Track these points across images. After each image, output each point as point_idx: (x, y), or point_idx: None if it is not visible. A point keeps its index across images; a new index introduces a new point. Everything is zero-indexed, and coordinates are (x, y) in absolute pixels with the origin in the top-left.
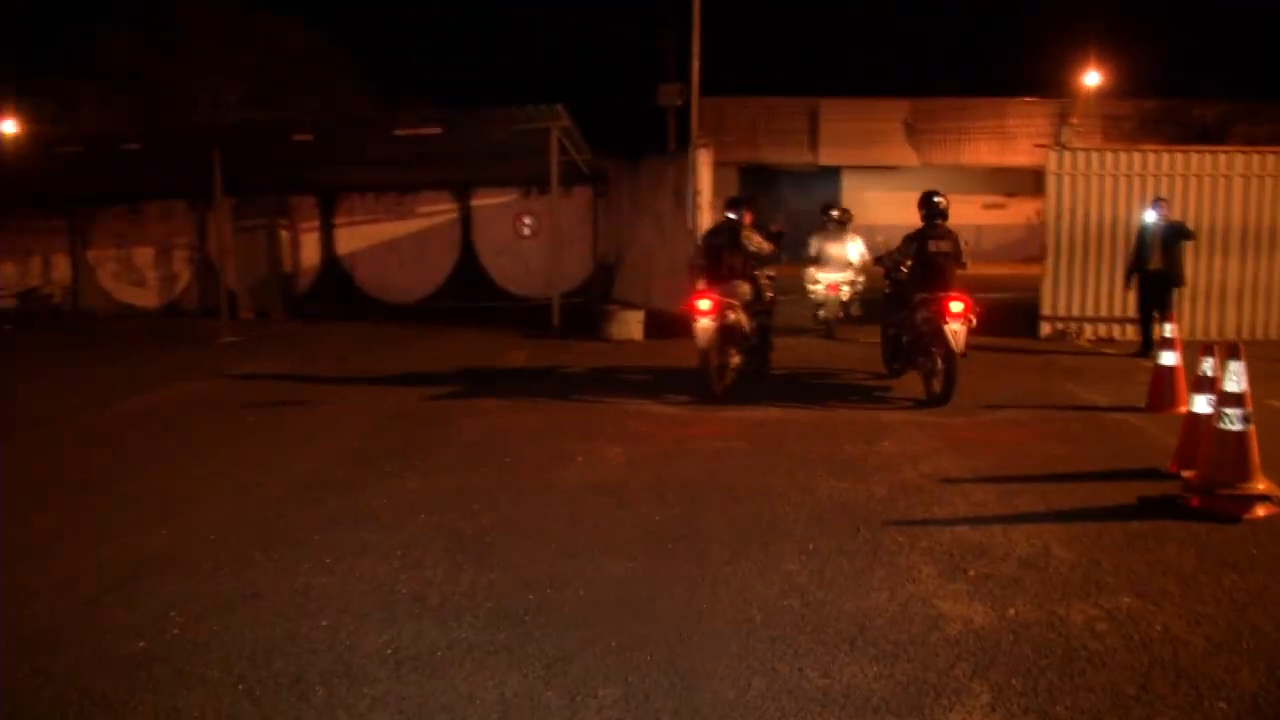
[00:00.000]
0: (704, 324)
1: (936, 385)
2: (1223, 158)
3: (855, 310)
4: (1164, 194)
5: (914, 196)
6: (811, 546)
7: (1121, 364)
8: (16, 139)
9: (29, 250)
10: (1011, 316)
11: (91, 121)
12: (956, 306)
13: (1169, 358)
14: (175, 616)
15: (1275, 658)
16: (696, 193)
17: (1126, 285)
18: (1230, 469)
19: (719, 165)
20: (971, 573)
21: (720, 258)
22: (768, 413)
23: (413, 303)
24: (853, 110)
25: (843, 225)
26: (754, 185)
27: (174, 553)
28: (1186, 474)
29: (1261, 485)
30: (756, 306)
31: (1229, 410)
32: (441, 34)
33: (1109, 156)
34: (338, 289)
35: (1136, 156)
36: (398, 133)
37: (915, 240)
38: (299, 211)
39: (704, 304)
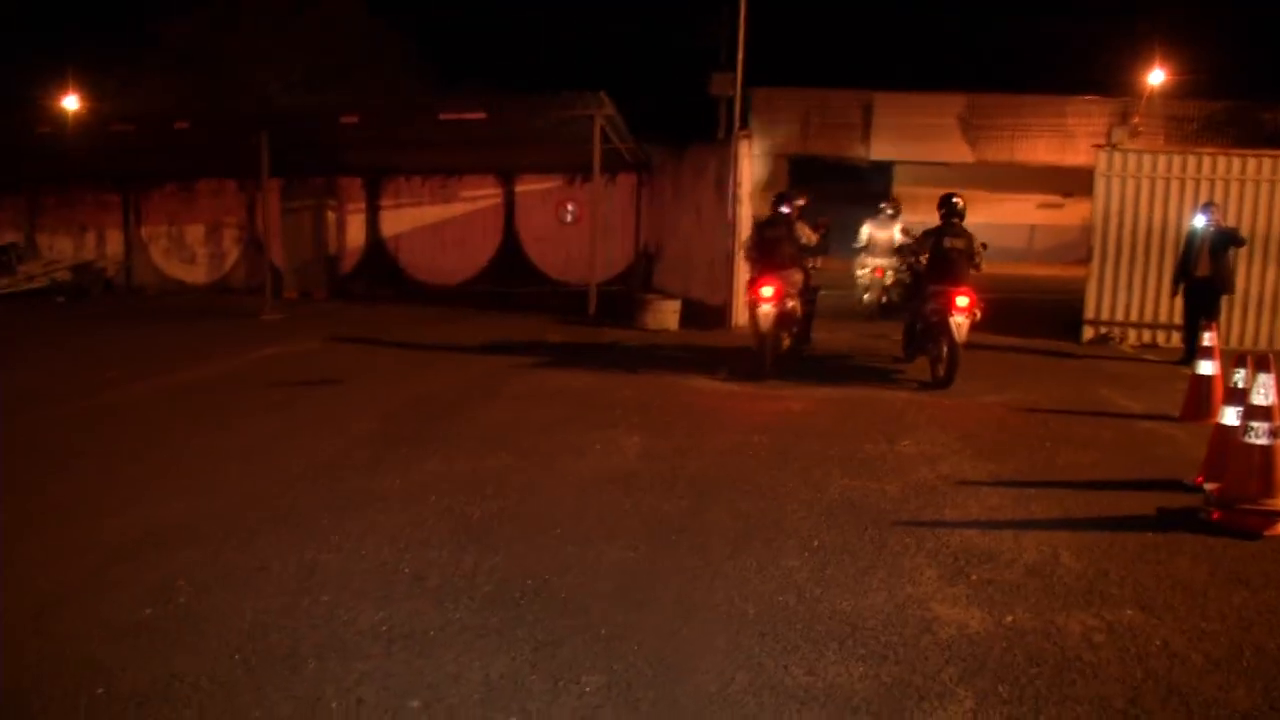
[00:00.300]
0: (765, 310)
1: (940, 370)
2: (1278, 162)
3: (895, 296)
4: (1216, 199)
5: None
6: (816, 544)
7: (1162, 371)
8: (75, 115)
9: (84, 225)
10: (1055, 319)
11: (153, 100)
12: (962, 301)
13: (1206, 367)
14: (183, 585)
15: (1273, 677)
16: (737, 184)
17: (1174, 291)
18: (1255, 484)
19: (769, 157)
20: (974, 577)
21: (775, 247)
22: (799, 391)
23: (455, 285)
24: (907, 104)
25: (893, 217)
26: (804, 178)
27: (187, 525)
28: (1210, 487)
29: None
30: (805, 293)
31: (1255, 424)
32: (497, 18)
33: (1161, 159)
34: (382, 270)
35: (1191, 159)
36: (442, 117)
37: (932, 236)
38: (346, 193)
39: (767, 291)
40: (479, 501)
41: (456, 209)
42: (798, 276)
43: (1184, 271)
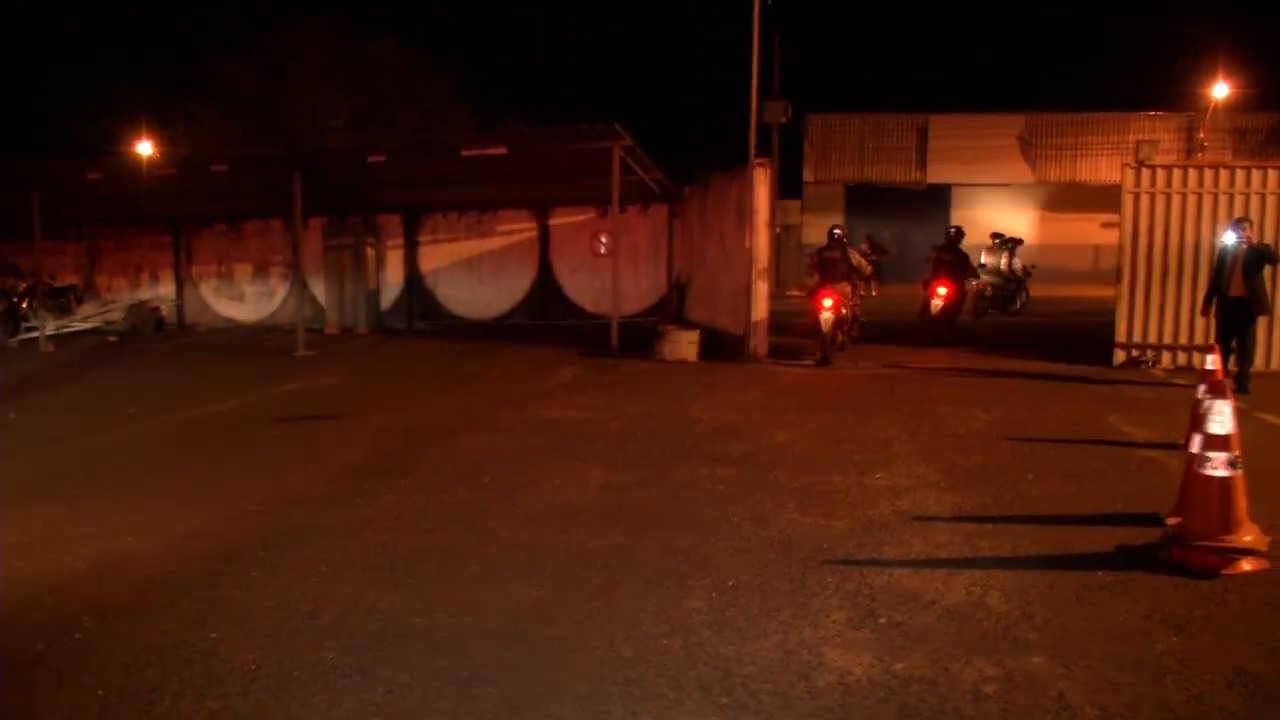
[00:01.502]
0: (825, 316)
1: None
2: None
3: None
4: (1251, 214)
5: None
6: (731, 583)
7: (1187, 396)
8: (125, 161)
9: (139, 266)
10: (1095, 343)
11: (208, 144)
12: (826, 300)
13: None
14: (86, 621)
15: None
16: (754, 211)
17: (1205, 312)
18: (1214, 519)
19: (822, 183)
20: (883, 620)
21: (832, 267)
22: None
23: (491, 319)
24: (963, 126)
25: (1001, 245)
26: (860, 204)
27: (122, 560)
28: (1171, 521)
29: (1248, 537)
30: (853, 302)
31: (1212, 454)
32: (541, 53)
33: (1191, 173)
34: (420, 305)
35: (1223, 173)
36: (464, 154)
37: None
38: (385, 230)
39: (828, 301)
40: (414, 536)
41: (492, 243)
42: (848, 289)
43: (1216, 291)
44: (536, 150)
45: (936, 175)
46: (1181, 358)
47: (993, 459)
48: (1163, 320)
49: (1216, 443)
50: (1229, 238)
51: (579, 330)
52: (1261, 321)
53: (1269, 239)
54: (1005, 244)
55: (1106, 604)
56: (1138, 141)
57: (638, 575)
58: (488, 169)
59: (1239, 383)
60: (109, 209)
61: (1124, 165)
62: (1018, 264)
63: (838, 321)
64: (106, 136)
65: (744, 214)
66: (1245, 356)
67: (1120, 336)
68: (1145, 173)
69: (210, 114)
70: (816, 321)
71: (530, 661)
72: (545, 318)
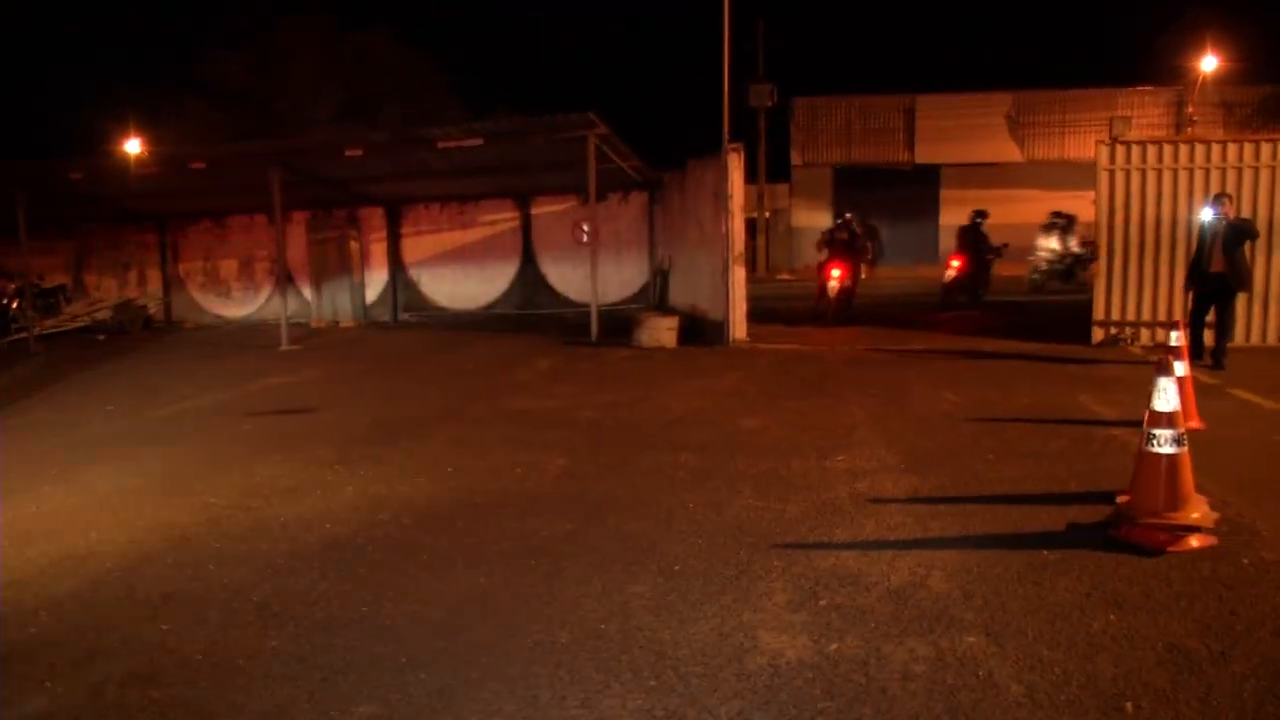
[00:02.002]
0: (831, 284)
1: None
2: None
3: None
4: (1229, 188)
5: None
6: (677, 568)
7: None
8: (105, 160)
9: (127, 264)
10: (1071, 321)
11: (197, 139)
12: (835, 271)
13: (1175, 368)
14: (43, 615)
15: (1085, 711)
16: (728, 196)
17: (1187, 289)
18: (1160, 496)
19: (810, 166)
20: (824, 602)
21: (839, 244)
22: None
23: (476, 309)
24: (951, 106)
25: (1056, 225)
26: (848, 186)
27: (84, 554)
28: (1120, 500)
29: (1195, 514)
30: (855, 275)
31: (1157, 431)
32: (529, 44)
33: (1166, 149)
34: (405, 297)
35: (1198, 148)
36: (440, 145)
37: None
38: (368, 223)
39: (836, 272)
40: (371, 528)
41: (475, 234)
42: (851, 265)
43: (1197, 268)
44: (513, 141)
45: (924, 156)
46: (1160, 334)
47: (955, 440)
48: (1141, 297)
49: (1161, 419)
50: (1207, 214)
51: (563, 319)
52: (1241, 297)
53: (1247, 212)
54: (1060, 222)
55: (1048, 583)
56: (1111, 117)
57: (585, 561)
58: (469, 160)
59: (1215, 358)
60: (96, 208)
61: (1098, 142)
62: (1073, 242)
63: (841, 290)
64: (98, 135)
65: (720, 199)
66: (1223, 332)
67: (1098, 314)
68: (1120, 149)
69: (201, 110)
70: (824, 289)
71: (466, 647)
72: (530, 307)
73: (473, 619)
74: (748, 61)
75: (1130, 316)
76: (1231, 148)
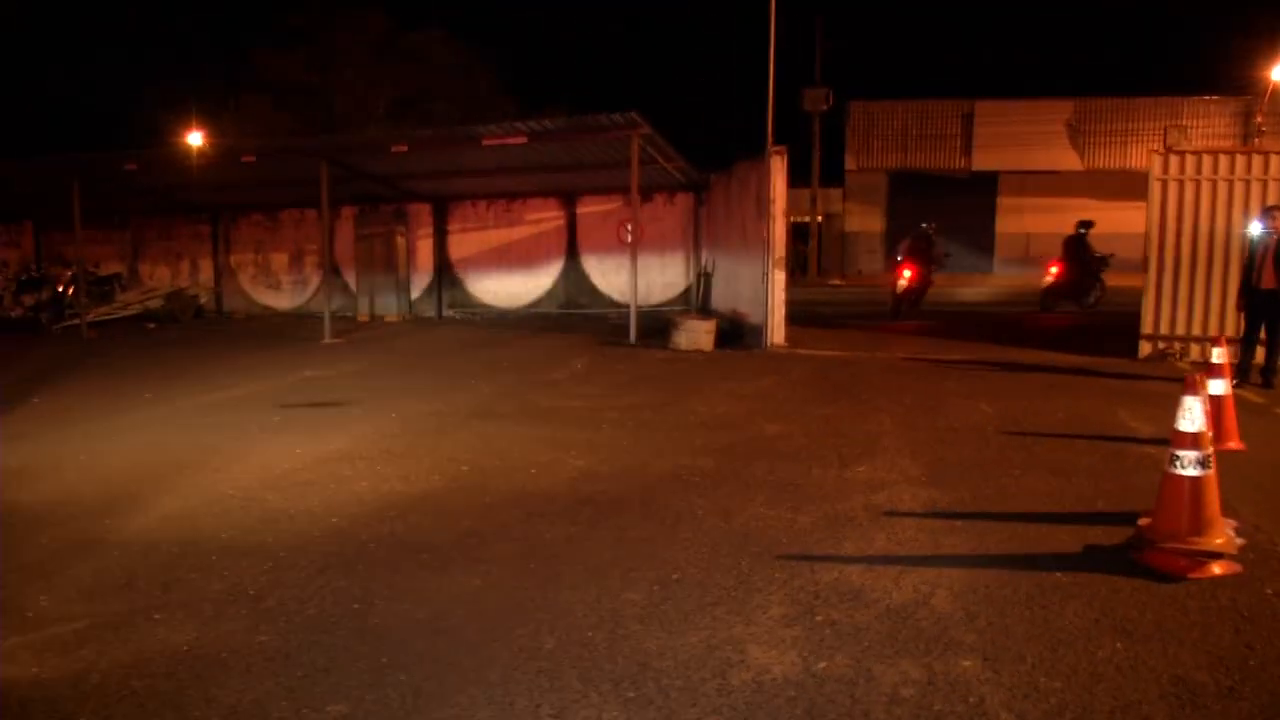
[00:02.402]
0: (902, 283)
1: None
2: None
3: None
4: None
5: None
6: (676, 577)
7: None
8: (162, 152)
9: (180, 254)
10: (1118, 333)
11: (258, 133)
12: (906, 272)
13: (1216, 386)
14: (43, 600)
15: None
16: (770, 200)
17: (1239, 305)
18: (1183, 520)
19: (864, 171)
20: (819, 618)
21: (915, 250)
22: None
23: (520, 307)
24: (1010, 112)
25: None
26: (903, 193)
27: (89, 542)
28: (1142, 522)
29: (1219, 540)
30: (926, 277)
31: (1181, 452)
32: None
33: (1222, 160)
34: (450, 293)
35: (1255, 159)
36: (486, 143)
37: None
38: (415, 219)
39: (907, 273)
40: (377, 524)
41: (521, 232)
42: (922, 267)
43: (1247, 284)
44: (558, 139)
45: (982, 163)
46: (1210, 351)
47: (983, 453)
48: (1191, 311)
49: (1185, 440)
50: (1255, 227)
51: (605, 320)
52: None
53: None
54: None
55: (1057, 606)
56: (1167, 126)
57: (583, 566)
58: (515, 158)
59: (1265, 377)
60: (151, 199)
61: (1151, 151)
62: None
63: (909, 289)
64: (159, 129)
65: (762, 203)
66: (1274, 350)
67: (1146, 328)
68: (1174, 159)
69: (259, 106)
70: (895, 286)
71: (449, 649)
72: (573, 307)
73: (461, 621)
74: (803, 65)
75: (1180, 331)
76: None
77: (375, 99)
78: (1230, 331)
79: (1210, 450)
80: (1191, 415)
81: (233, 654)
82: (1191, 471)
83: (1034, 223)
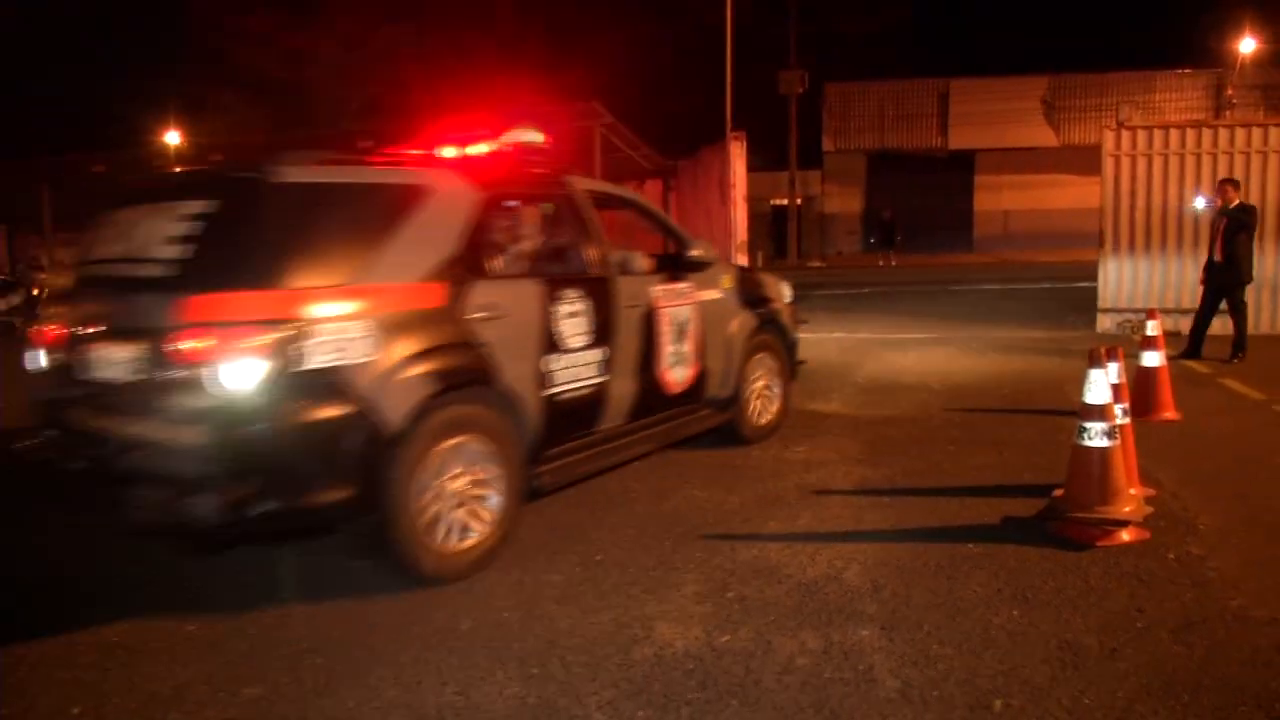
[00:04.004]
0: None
1: None
2: None
3: None
4: (1237, 173)
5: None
6: (599, 558)
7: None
8: (129, 154)
9: None
10: (1082, 307)
11: (237, 130)
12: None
13: (1150, 358)
14: None
15: (953, 708)
16: (731, 185)
17: (1201, 279)
18: (1091, 490)
19: (842, 153)
20: (731, 594)
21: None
22: None
23: None
24: (985, 90)
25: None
26: (881, 173)
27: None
28: (1057, 493)
29: (1128, 508)
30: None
31: (1088, 424)
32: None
33: (1173, 134)
34: None
35: (1205, 133)
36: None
37: None
38: None
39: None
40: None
41: None
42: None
43: (1209, 259)
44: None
45: (959, 141)
46: (1168, 322)
47: (924, 430)
48: (1148, 284)
49: (1092, 412)
50: (1200, 201)
51: None
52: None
53: (1254, 198)
54: None
55: (963, 577)
56: (1118, 102)
57: (512, 550)
58: None
59: (1235, 347)
60: None
61: (1104, 128)
62: None
63: None
64: (138, 128)
65: (724, 188)
66: (1237, 325)
67: (1104, 302)
68: (1126, 134)
69: (239, 103)
70: None
71: (368, 633)
72: None
73: (383, 606)
74: (779, 48)
75: (1137, 304)
76: (1240, 132)
77: (351, 93)
78: (1186, 303)
79: (1116, 421)
80: (1097, 387)
81: (161, 643)
82: (1099, 442)
83: (1012, 200)
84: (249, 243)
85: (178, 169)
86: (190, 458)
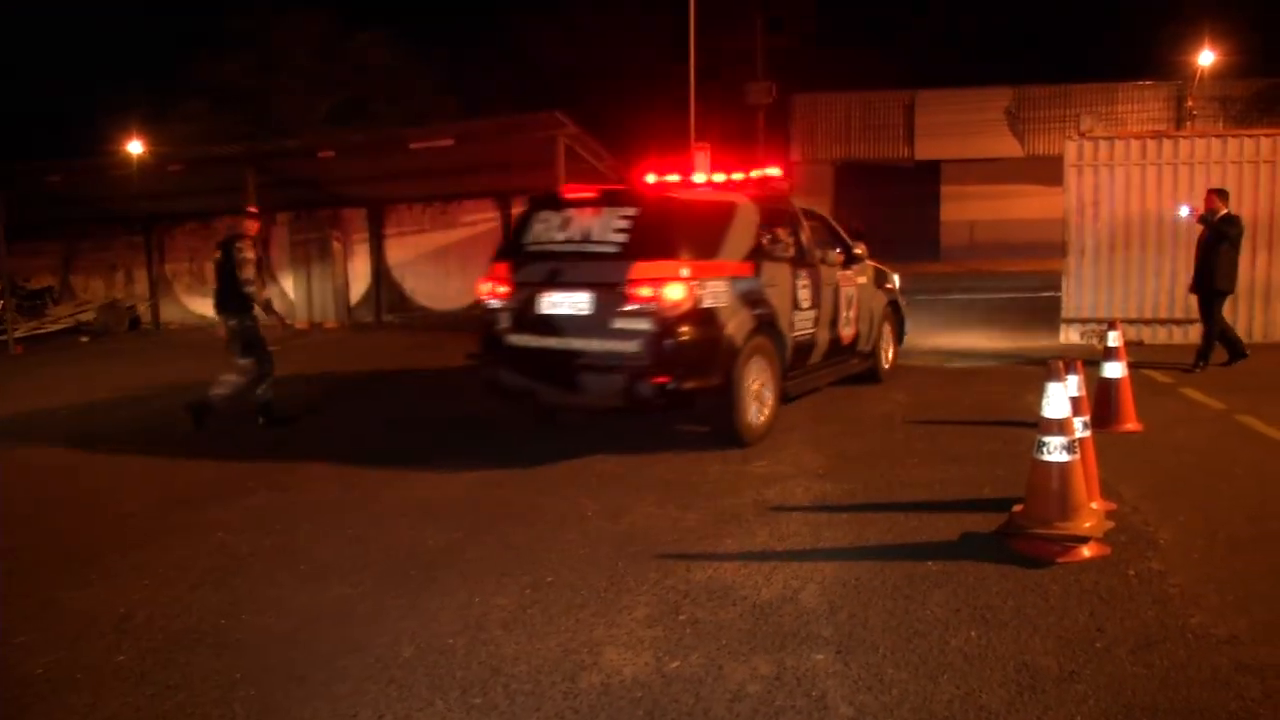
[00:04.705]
0: None
1: None
2: (1265, 141)
3: None
4: (1197, 183)
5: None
6: (549, 579)
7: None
8: (88, 162)
9: (114, 265)
10: (1045, 317)
11: (201, 138)
12: None
13: (1112, 369)
14: None
15: None
16: None
17: (1190, 288)
18: (1051, 505)
19: (810, 163)
20: (683, 617)
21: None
22: None
23: (459, 309)
24: (951, 101)
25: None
26: (850, 183)
27: None
28: (1016, 509)
29: (1088, 523)
30: None
31: (1047, 439)
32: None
33: (1134, 145)
34: (389, 297)
35: (1165, 143)
36: (413, 146)
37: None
38: (351, 224)
39: None
40: (262, 536)
41: (457, 234)
42: None
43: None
44: (488, 141)
45: (925, 152)
46: (1131, 332)
47: (885, 443)
48: (1111, 294)
49: (1051, 426)
50: (1183, 210)
51: None
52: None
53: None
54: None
55: (921, 596)
56: (1080, 113)
57: (460, 572)
58: (447, 161)
59: (1199, 356)
60: (83, 210)
61: (1065, 139)
62: None
63: None
64: (100, 135)
65: None
66: (1205, 334)
67: (1067, 312)
68: (1087, 145)
69: (202, 111)
70: None
71: (305, 662)
72: None
73: (323, 632)
74: (747, 60)
75: (1100, 314)
76: (1199, 143)
77: (317, 102)
78: (1149, 313)
79: (1076, 435)
80: (1055, 401)
81: (87, 675)
82: (1058, 457)
83: (977, 210)
84: (662, 233)
85: (605, 189)
86: (636, 358)
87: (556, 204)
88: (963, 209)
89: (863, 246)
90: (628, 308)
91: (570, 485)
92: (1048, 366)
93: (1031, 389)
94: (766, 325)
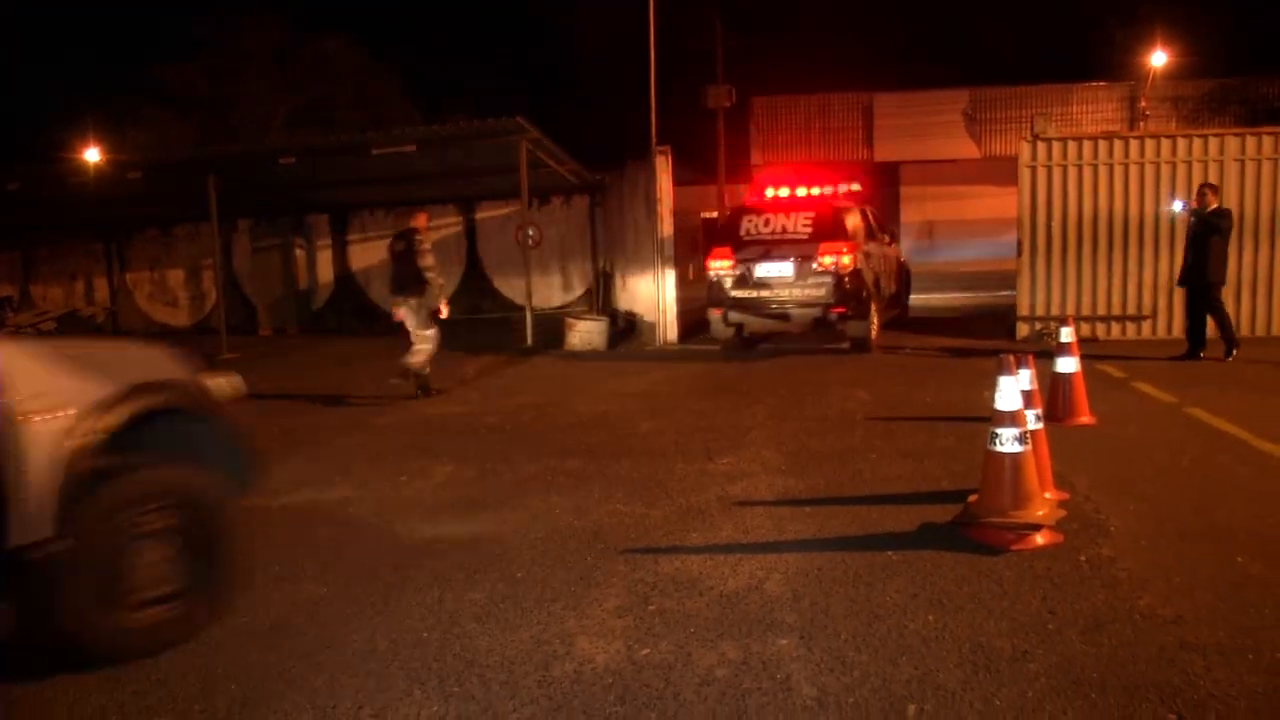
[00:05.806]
0: None
1: None
2: (1214, 141)
3: None
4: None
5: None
6: (520, 575)
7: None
8: (45, 169)
9: (74, 274)
10: (1004, 315)
11: (160, 145)
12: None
13: (1065, 364)
14: None
15: (869, 717)
16: (657, 200)
17: (1179, 281)
18: (1004, 495)
19: (770, 166)
20: (652, 607)
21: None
22: None
23: None
24: (908, 104)
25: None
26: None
27: None
28: (971, 499)
29: (1040, 512)
30: None
31: (999, 430)
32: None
33: (1086, 145)
34: (353, 303)
35: (1117, 144)
36: (375, 152)
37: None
38: (314, 230)
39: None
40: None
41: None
42: None
43: (1185, 263)
44: (450, 146)
45: (884, 154)
46: (1085, 329)
47: (845, 441)
48: (1064, 292)
49: (1004, 419)
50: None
51: (508, 323)
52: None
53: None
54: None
55: (880, 584)
56: (1034, 114)
57: (431, 569)
58: (410, 166)
59: (1226, 346)
60: (42, 217)
61: (1020, 140)
62: None
63: None
64: (58, 143)
65: (650, 203)
66: (1220, 323)
67: (1023, 310)
68: (1041, 146)
69: (161, 117)
70: None
71: (282, 658)
72: (476, 312)
73: (298, 629)
74: (707, 63)
75: (1055, 311)
76: (1150, 143)
77: (277, 107)
78: (1102, 310)
79: (1028, 427)
80: (1008, 393)
81: (69, 674)
82: (1010, 448)
83: (936, 210)
84: (833, 226)
85: (799, 194)
86: (825, 299)
87: (757, 211)
88: (921, 209)
89: (896, 232)
90: (817, 269)
91: (538, 484)
92: (999, 361)
93: (987, 386)
94: (877, 280)
